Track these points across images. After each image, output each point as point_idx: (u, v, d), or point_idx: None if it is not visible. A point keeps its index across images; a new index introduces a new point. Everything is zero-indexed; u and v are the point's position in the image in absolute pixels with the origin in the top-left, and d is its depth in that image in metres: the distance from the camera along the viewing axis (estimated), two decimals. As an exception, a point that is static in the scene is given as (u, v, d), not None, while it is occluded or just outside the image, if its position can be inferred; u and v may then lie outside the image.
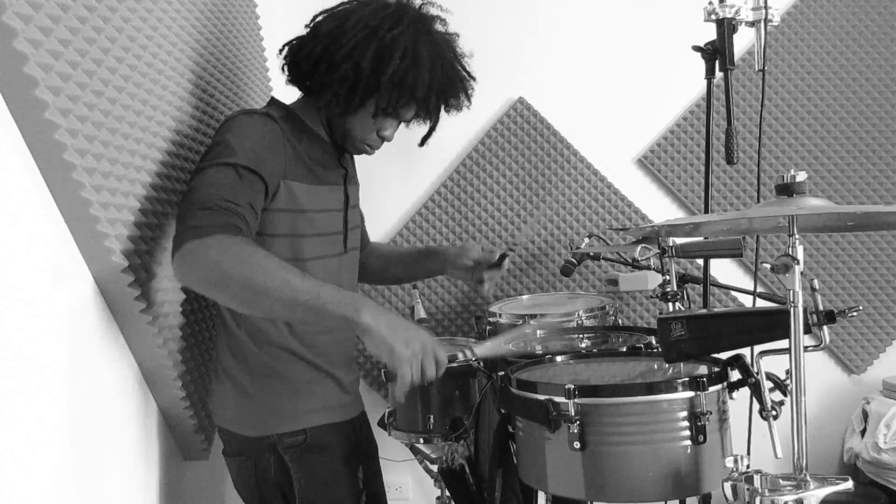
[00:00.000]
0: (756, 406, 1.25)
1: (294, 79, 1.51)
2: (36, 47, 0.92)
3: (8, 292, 0.92)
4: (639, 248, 1.95)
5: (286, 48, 1.51)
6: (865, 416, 2.56)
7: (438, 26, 1.51)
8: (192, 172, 1.33)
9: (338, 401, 1.48)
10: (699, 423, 1.25)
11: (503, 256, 1.76)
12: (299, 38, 1.49)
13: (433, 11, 1.51)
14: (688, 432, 1.26)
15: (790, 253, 1.16)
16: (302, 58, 1.45)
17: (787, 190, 1.19)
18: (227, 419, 1.45)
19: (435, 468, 2.00)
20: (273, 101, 1.55)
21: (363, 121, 1.48)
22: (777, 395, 1.25)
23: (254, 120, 1.38)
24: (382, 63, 1.39)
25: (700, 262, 2.51)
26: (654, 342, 1.69)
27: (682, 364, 1.46)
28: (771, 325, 1.23)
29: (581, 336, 1.91)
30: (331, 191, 1.49)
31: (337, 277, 1.51)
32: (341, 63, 1.40)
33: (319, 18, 1.48)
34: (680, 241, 1.86)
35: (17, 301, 0.94)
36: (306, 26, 1.51)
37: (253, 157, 1.31)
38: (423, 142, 1.60)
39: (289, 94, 1.55)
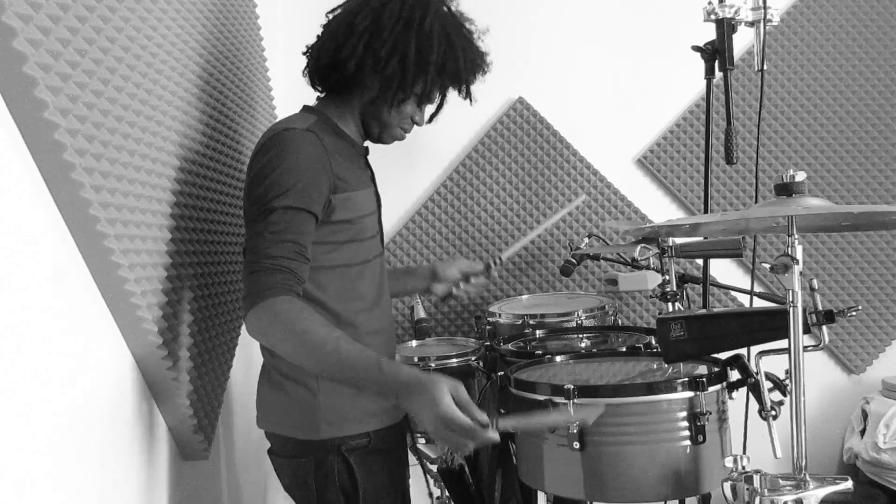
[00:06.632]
0: (755, 406, 1.25)
1: (325, 79, 1.50)
2: (35, 47, 0.92)
3: (7, 292, 0.92)
4: (638, 248, 1.95)
5: (318, 52, 1.48)
6: (865, 415, 2.56)
7: (451, 4, 1.52)
8: (245, 208, 1.39)
9: (393, 403, 1.49)
10: (699, 423, 1.25)
11: (488, 267, 1.82)
12: (332, 40, 1.46)
13: None
14: (687, 432, 1.26)
15: (789, 253, 1.16)
16: (344, 58, 1.43)
17: (786, 190, 1.19)
18: (286, 424, 1.45)
19: (435, 468, 2.00)
20: (308, 109, 1.53)
21: (402, 110, 1.50)
22: (776, 395, 1.25)
23: (296, 141, 1.37)
24: (425, 54, 1.43)
25: (699, 262, 2.51)
26: (653, 342, 1.69)
27: (681, 364, 1.46)
28: (770, 325, 1.23)
29: (581, 336, 1.91)
30: (367, 193, 1.50)
31: (381, 280, 1.54)
32: (387, 59, 1.41)
33: (341, 15, 1.47)
34: (679, 240, 1.86)
35: (15, 301, 0.94)
36: (324, 26, 1.50)
37: (300, 193, 1.32)
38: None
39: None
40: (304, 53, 1.54)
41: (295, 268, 1.29)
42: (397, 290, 1.89)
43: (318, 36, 1.51)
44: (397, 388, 1.18)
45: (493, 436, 1.13)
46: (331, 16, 1.51)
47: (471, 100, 1.57)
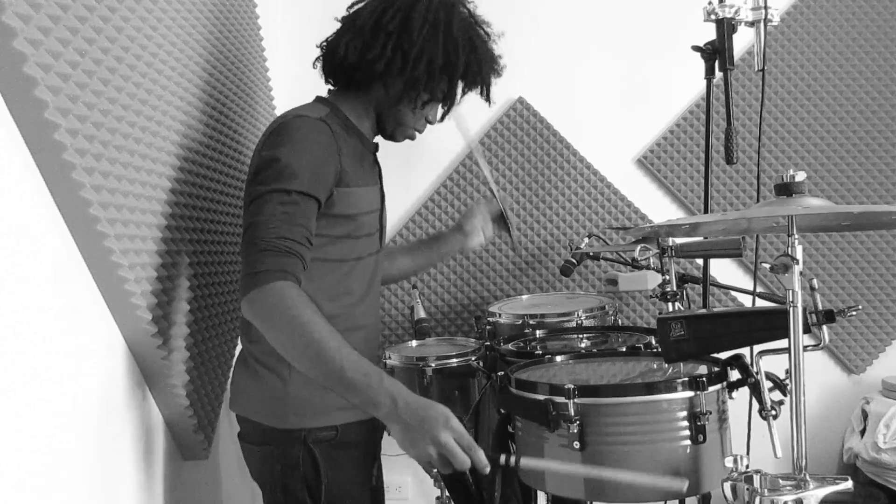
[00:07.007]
0: (756, 406, 1.25)
1: (345, 76, 1.49)
2: (35, 47, 0.92)
3: (7, 292, 0.92)
4: (638, 248, 1.95)
5: (344, 48, 1.46)
6: (865, 415, 2.56)
7: (470, 7, 1.53)
8: (250, 189, 1.35)
9: (374, 415, 1.49)
10: (699, 423, 1.25)
11: (492, 192, 1.84)
12: (358, 38, 1.45)
13: None
14: (687, 432, 1.26)
15: (789, 253, 1.16)
16: (372, 58, 1.42)
17: (786, 190, 1.19)
18: (256, 410, 1.45)
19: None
20: (320, 100, 1.52)
21: (420, 110, 1.50)
22: (777, 395, 1.25)
23: (308, 128, 1.37)
24: (451, 58, 1.44)
25: (700, 262, 2.51)
26: (653, 342, 1.69)
27: (681, 364, 1.46)
28: (771, 324, 1.23)
29: (581, 336, 1.91)
30: (371, 191, 1.50)
31: (373, 277, 1.54)
32: (416, 62, 1.41)
33: (366, 11, 1.46)
34: (679, 240, 1.86)
35: (16, 301, 0.94)
36: (344, 20, 1.49)
37: (309, 179, 1.32)
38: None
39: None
40: (318, 46, 1.53)
41: (303, 253, 1.28)
42: (428, 262, 1.88)
43: (338, 31, 1.50)
44: (396, 401, 1.18)
45: (486, 466, 1.19)
46: (352, 10, 1.50)
47: (490, 101, 1.58)
